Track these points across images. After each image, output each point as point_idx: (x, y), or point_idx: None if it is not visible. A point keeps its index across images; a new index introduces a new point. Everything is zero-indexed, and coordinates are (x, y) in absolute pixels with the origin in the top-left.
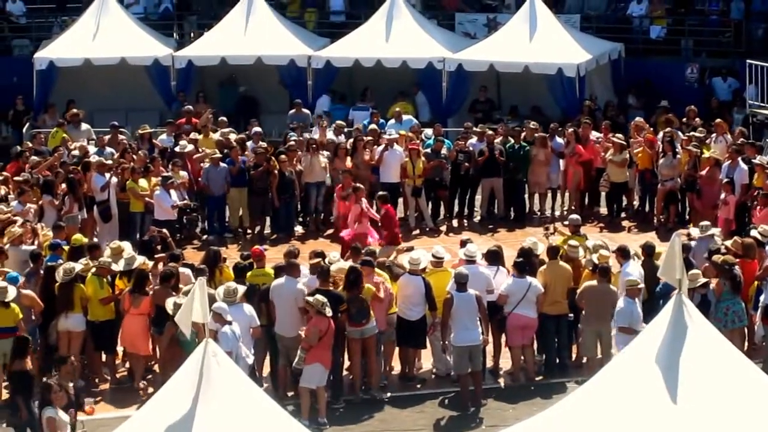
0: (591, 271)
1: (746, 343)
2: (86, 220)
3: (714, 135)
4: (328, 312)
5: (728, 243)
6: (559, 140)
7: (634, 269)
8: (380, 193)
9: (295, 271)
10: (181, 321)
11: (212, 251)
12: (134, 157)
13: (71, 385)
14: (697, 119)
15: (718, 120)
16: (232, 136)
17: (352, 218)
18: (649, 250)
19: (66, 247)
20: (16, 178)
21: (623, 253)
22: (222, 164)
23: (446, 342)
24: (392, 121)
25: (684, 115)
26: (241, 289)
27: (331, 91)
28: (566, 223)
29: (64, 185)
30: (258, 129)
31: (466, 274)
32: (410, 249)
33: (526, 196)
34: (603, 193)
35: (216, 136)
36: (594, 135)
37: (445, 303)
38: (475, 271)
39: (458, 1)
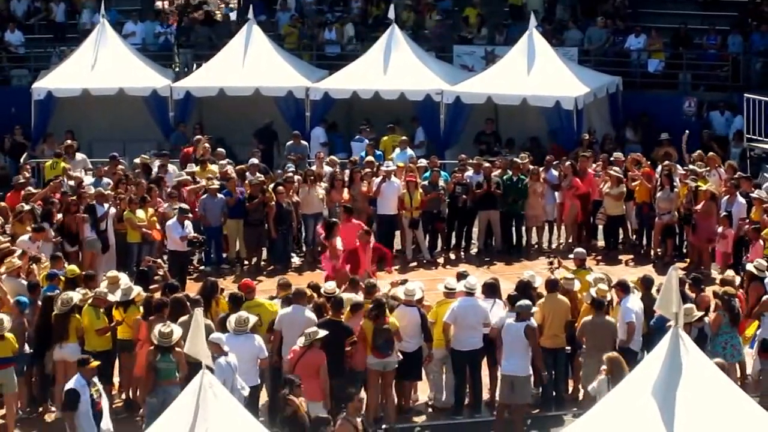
0: (590, 304)
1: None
2: (84, 251)
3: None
4: (305, 343)
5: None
6: (554, 172)
7: (635, 303)
8: (365, 229)
9: (302, 300)
10: (193, 352)
11: (209, 282)
12: (129, 187)
13: (359, 420)
14: (700, 163)
15: (710, 153)
16: (230, 168)
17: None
18: (646, 284)
19: (63, 277)
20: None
21: (623, 288)
22: (219, 195)
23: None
24: (397, 150)
25: (681, 149)
26: (253, 318)
27: (324, 122)
28: (571, 256)
29: (60, 216)
30: (255, 160)
31: (529, 305)
32: (404, 282)
33: (524, 228)
34: (600, 226)
35: (214, 167)
36: (592, 167)
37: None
38: (473, 303)
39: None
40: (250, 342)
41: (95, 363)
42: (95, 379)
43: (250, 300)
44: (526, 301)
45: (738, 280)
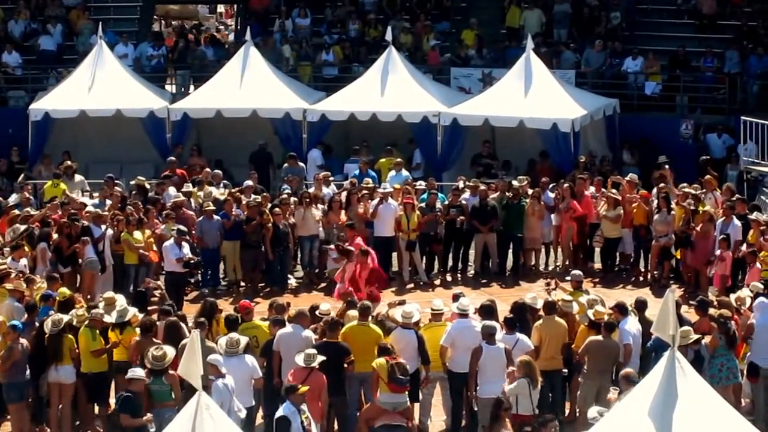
0: (587, 326)
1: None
2: (83, 272)
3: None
4: (307, 363)
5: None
6: (550, 194)
7: (632, 326)
8: (362, 249)
9: (304, 321)
10: (187, 373)
11: (209, 302)
12: (130, 208)
13: None
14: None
15: (707, 176)
16: (215, 191)
17: (347, 276)
18: (640, 306)
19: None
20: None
21: (621, 310)
22: (216, 217)
23: (472, 393)
24: (392, 172)
25: (679, 171)
26: (244, 340)
27: (321, 144)
28: (568, 278)
29: (56, 236)
30: (250, 182)
31: (494, 326)
32: (402, 303)
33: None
34: (597, 249)
35: (212, 189)
36: (590, 190)
37: (473, 354)
38: (467, 325)
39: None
40: (243, 363)
41: (304, 389)
42: (303, 406)
43: (247, 321)
44: (492, 323)
45: (748, 301)
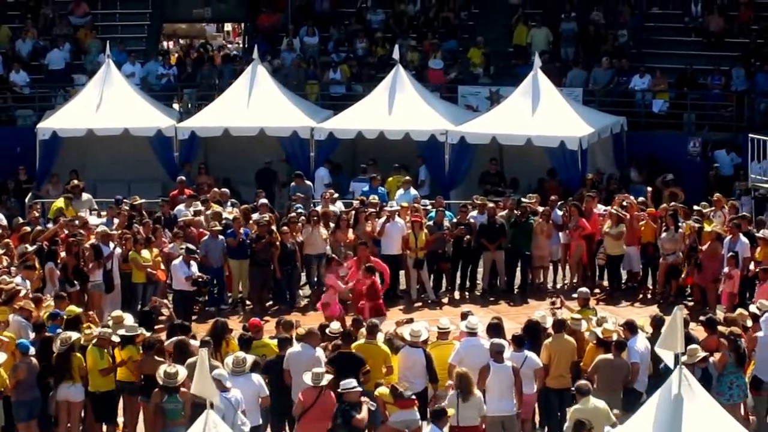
0: (596, 344)
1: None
2: (91, 293)
3: (713, 209)
4: (315, 382)
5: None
6: (558, 213)
7: (641, 344)
8: (367, 265)
9: (314, 340)
10: (200, 391)
11: (219, 322)
12: (136, 227)
13: None
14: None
15: (717, 194)
16: (222, 209)
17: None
18: (658, 323)
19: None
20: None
21: (630, 328)
22: (220, 236)
23: None
24: (401, 191)
25: (687, 189)
26: (250, 359)
27: (329, 162)
28: (575, 296)
29: (64, 254)
30: (264, 200)
31: (502, 344)
32: (410, 321)
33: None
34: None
35: (219, 208)
36: (600, 208)
37: (481, 372)
38: (476, 343)
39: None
40: (250, 381)
41: (451, 411)
42: (446, 429)
43: (257, 339)
44: (500, 341)
45: (750, 322)
